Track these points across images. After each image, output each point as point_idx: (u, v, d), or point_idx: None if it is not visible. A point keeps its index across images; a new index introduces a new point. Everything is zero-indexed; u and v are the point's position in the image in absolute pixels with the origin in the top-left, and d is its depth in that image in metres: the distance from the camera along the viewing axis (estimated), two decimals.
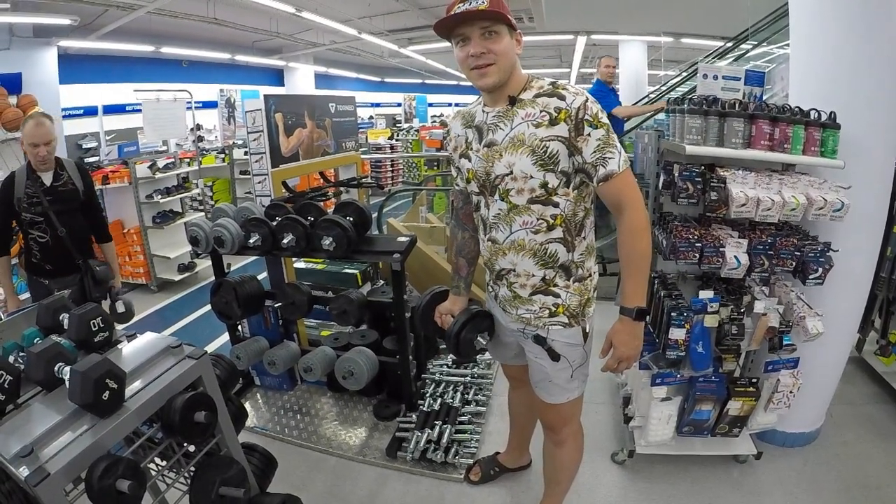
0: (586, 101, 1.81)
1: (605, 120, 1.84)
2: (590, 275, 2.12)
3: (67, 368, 1.47)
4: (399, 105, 23.00)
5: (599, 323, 2.18)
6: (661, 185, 2.83)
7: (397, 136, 13.77)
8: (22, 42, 7.72)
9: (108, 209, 8.39)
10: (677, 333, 2.62)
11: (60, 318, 1.86)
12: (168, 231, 7.68)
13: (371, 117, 20.30)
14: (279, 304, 3.34)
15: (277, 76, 17.27)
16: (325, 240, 2.99)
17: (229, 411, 1.82)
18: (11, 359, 1.75)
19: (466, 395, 3.61)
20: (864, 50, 2.58)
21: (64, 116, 8.72)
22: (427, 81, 23.82)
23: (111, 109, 10.31)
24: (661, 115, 5.29)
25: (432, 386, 3.71)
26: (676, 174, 2.65)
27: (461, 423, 3.33)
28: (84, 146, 10.80)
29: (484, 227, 2.14)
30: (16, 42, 7.65)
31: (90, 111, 10.90)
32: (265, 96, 3.96)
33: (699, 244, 2.58)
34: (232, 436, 1.79)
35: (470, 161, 2.08)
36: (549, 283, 2.05)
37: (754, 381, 2.83)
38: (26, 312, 2.06)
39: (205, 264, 7.64)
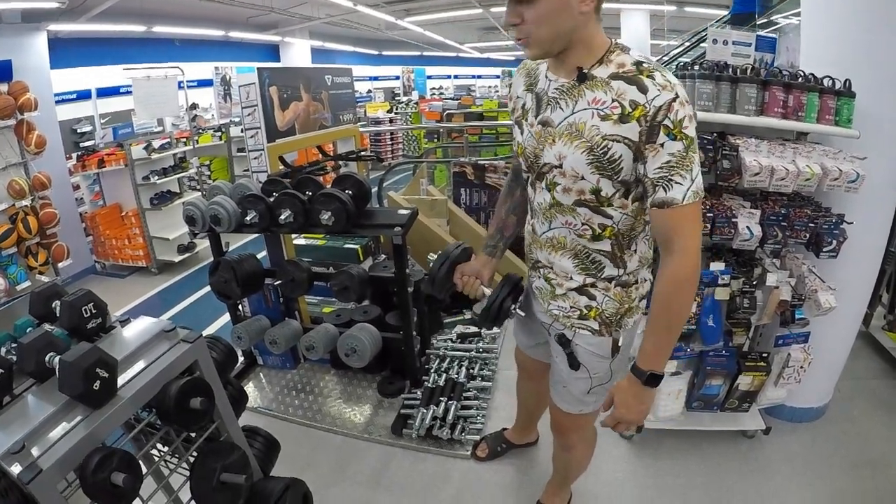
0: (673, 100, 1.40)
1: (691, 132, 1.43)
2: (636, 281, 1.81)
3: (58, 358, 1.41)
4: (397, 78, 22.90)
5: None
6: None
7: (396, 109, 13.64)
8: (10, 28, 7.61)
9: (105, 192, 8.38)
10: None
11: (53, 305, 1.81)
12: (166, 212, 7.65)
13: (369, 91, 20.20)
14: (279, 281, 3.27)
15: (273, 52, 17.07)
16: (323, 214, 2.92)
17: (228, 395, 1.78)
18: (3, 350, 1.72)
19: (472, 370, 3.57)
20: (880, 14, 2.46)
21: (57, 102, 8.58)
22: (425, 54, 23.51)
23: (105, 92, 10.23)
24: None
25: (437, 361, 3.67)
26: None
27: (466, 398, 3.29)
28: (79, 131, 10.78)
29: (531, 210, 1.89)
30: (4, 29, 7.54)
31: (84, 95, 10.80)
32: (259, 69, 3.86)
33: (710, 214, 2.49)
34: (232, 420, 1.74)
35: (522, 134, 1.77)
36: (588, 286, 1.78)
37: (765, 355, 2.78)
38: (19, 301, 2.02)
39: (205, 244, 7.63)
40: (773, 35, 2.89)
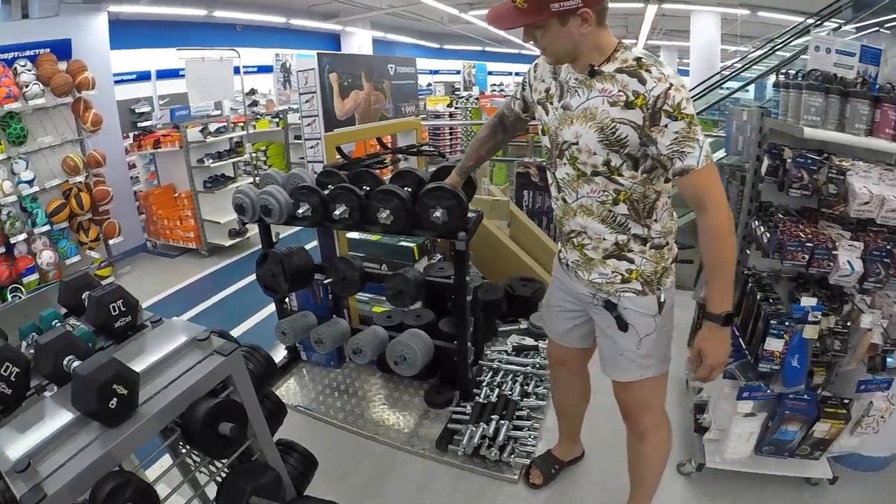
0: (668, 88, 1.68)
1: (690, 110, 1.71)
2: (667, 244, 2.03)
3: (77, 364, 1.29)
4: (458, 73, 22.68)
5: (677, 314, 2.13)
6: (763, 170, 2.52)
7: (456, 103, 13.46)
8: (71, 8, 7.69)
9: (160, 173, 8.48)
10: (775, 344, 2.34)
11: (83, 296, 1.71)
12: (219, 196, 7.69)
13: (430, 84, 20.02)
14: (329, 279, 3.13)
15: (334, 41, 17.09)
16: (381, 213, 2.73)
17: (265, 410, 1.65)
18: (25, 344, 1.64)
19: (526, 387, 3.36)
20: None
21: (116, 82, 8.71)
22: (487, 49, 23.31)
23: (164, 74, 10.34)
24: (769, 90, 4.85)
25: (490, 374, 3.48)
26: (789, 160, 2.34)
27: (519, 418, 3.10)
28: (137, 111, 11.01)
29: (556, 186, 2.10)
30: (64, 8, 7.62)
31: (143, 76, 10.96)
32: (319, 55, 3.71)
33: (810, 244, 2.26)
34: (267, 438, 1.61)
35: (547, 114, 2.03)
36: (623, 248, 1.98)
37: (846, 402, 2.52)
38: (51, 289, 1.92)
39: (256, 230, 7.62)
40: (878, 48, 2.59)
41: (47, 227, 6.90)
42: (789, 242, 2.28)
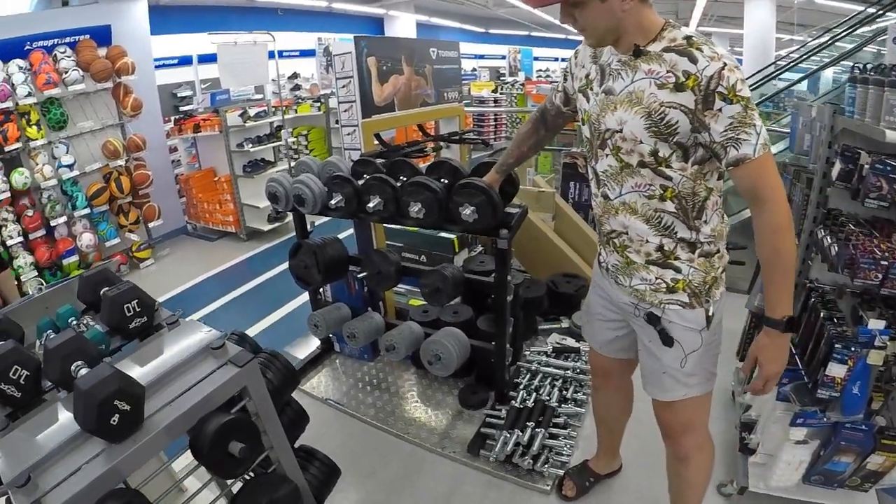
0: (722, 68, 1.51)
1: (746, 93, 1.54)
2: (718, 251, 1.86)
3: (83, 371, 1.25)
4: (503, 58, 22.44)
5: (728, 321, 1.97)
6: (834, 175, 2.31)
7: (501, 89, 13.26)
8: None
9: (200, 156, 8.56)
10: (837, 370, 2.15)
11: (102, 292, 1.64)
12: (258, 180, 7.69)
13: (474, 69, 19.84)
14: (364, 273, 3.02)
15: (377, 25, 17.03)
16: (412, 206, 2.61)
17: (285, 419, 1.56)
18: (39, 343, 1.61)
19: (565, 392, 3.21)
20: None
21: (157, 67, 8.92)
22: (533, 34, 22.98)
23: (206, 59, 10.47)
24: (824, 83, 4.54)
25: (527, 376, 3.33)
26: (866, 166, 2.12)
27: (555, 425, 2.96)
28: (178, 95, 11.18)
29: (596, 180, 1.93)
30: None
31: (185, 60, 11.22)
32: (356, 38, 3.59)
33: (885, 262, 2.05)
34: (285, 449, 1.51)
35: (588, 102, 1.87)
36: (669, 255, 1.82)
37: None
38: (71, 282, 1.89)
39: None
40: None
41: (87, 211, 7.03)
42: (862, 259, 2.08)
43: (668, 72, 1.58)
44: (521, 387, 3.21)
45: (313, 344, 3.90)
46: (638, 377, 2.20)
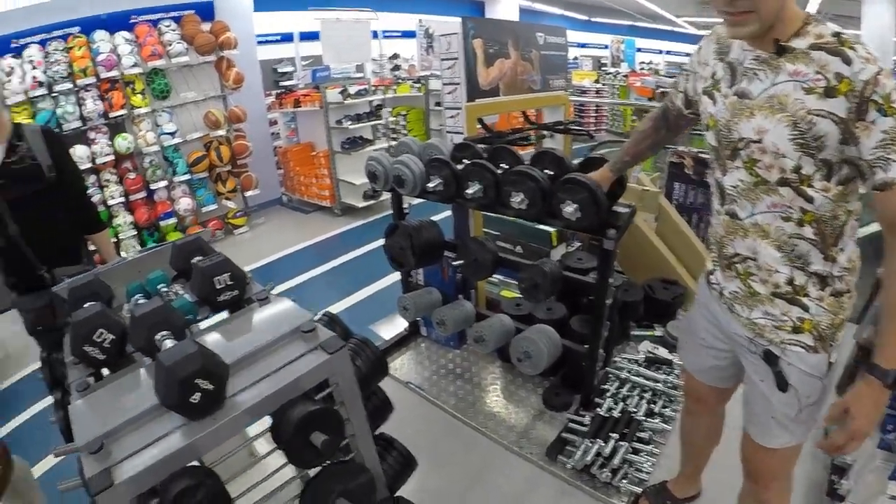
0: (878, 73, 1.31)
1: None
2: (848, 290, 1.63)
3: (168, 343, 1.22)
4: (606, 47, 21.94)
5: None
6: None
7: (603, 79, 12.96)
8: None
9: (300, 131, 8.72)
10: None
11: (193, 261, 1.64)
12: (356, 157, 7.79)
13: (576, 58, 19.45)
14: (459, 261, 2.95)
15: (478, 9, 16.88)
16: (514, 196, 2.49)
17: (370, 407, 1.52)
18: (128, 307, 1.61)
19: (652, 405, 3.06)
20: None
21: (260, 42, 9.26)
22: (637, 24, 22.36)
23: (307, 36, 10.62)
24: None
25: (615, 384, 3.19)
26: None
27: (639, 439, 2.82)
28: (279, 70, 11.58)
29: (721, 195, 1.73)
30: None
31: (286, 38, 11.38)
32: (463, 19, 3.52)
33: None
34: (366, 439, 1.47)
35: (714, 104, 1.66)
36: (799, 291, 1.61)
37: None
38: (164, 249, 1.90)
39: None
40: None
41: (187, 177, 7.34)
42: None
43: (816, 73, 1.37)
44: (609, 394, 3.08)
45: (399, 325, 3.88)
46: (731, 406, 2.08)
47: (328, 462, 1.40)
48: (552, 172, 2.56)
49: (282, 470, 1.41)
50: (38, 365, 4.85)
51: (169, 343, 1.25)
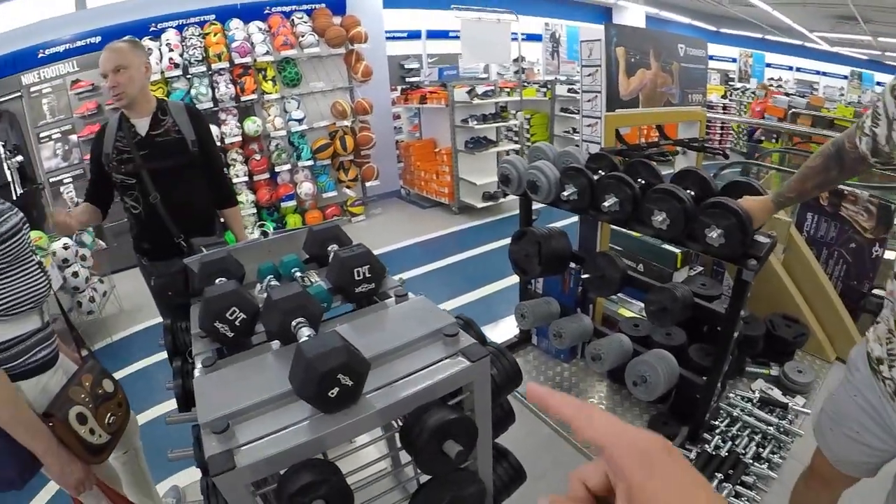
0: None
1: None
2: None
3: (305, 331, 1.21)
4: (734, 61, 21.03)
5: None
6: None
7: (731, 95, 12.37)
8: None
9: (423, 126, 8.82)
10: None
11: (328, 248, 1.67)
12: (479, 157, 7.80)
13: None
14: (586, 275, 2.82)
15: (605, 15, 16.62)
16: (656, 215, 2.33)
17: (494, 417, 1.44)
18: (259, 287, 1.63)
19: (761, 449, 2.77)
20: None
21: (388, 38, 9.54)
22: (767, 37, 21.23)
23: (434, 34, 10.80)
24: None
25: (726, 421, 2.93)
26: None
27: (742, 483, 2.57)
28: (406, 66, 11.86)
29: None
30: None
31: (414, 35, 11.69)
32: (606, 25, 3.38)
33: None
34: (486, 449, 1.41)
35: None
36: None
37: None
38: (297, 233, 1.92)
39: (510, 197, 7.71)
40: None
41: (310, 162, 7.59)
42: None
43: None
44: (718, 431, 2.85)
45: (507, 331, 3.76)
46: None
47: None
48: (693, 193, 2.39)
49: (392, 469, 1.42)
50: (147, 325, 5.20)
51: (305, 331, 1.24)
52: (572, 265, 3.08)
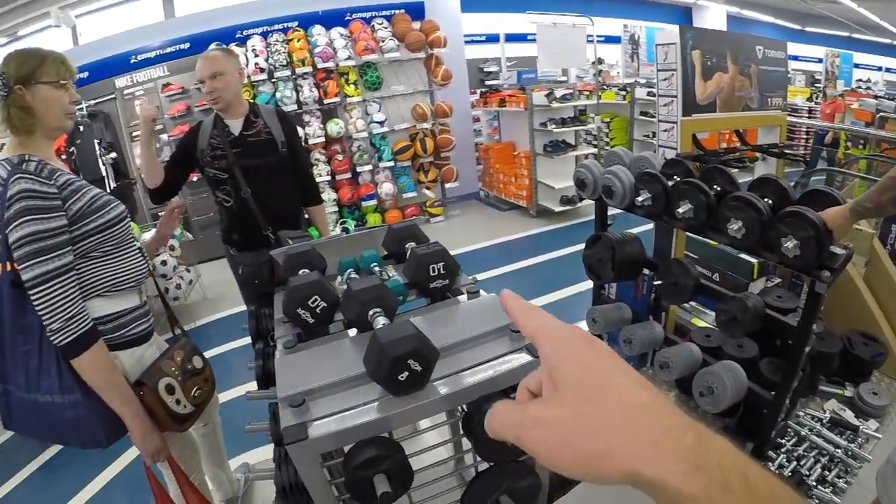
0: None
1: None
2: None
3: (381, 319, 1.34)
4: (820, 61, 20.12)
5: None
6: None
7: (817, 97, 11.81)
8: None
9: (502, 129, 8.83)
10: None
11: (406, 246, 1.77)
12: (557, 161, 7.77)
13: (787, 72, 17.99)
14: (659, 281, 2.77)
15: (684, 15, 16.21)
16: (732, 223, 2.26)
17: None
18: (340, 279, 1.79)
19: (827, 472, 2.59)
20: None
21: (467, 42, 9.64)
22: (855, 36, 20.18)
23: (512, 38, 10.82)
24: None
25: (793, 440, 2.76)
26: None
27: None
28: (485, 70, 12.01)
29: None
30: None
31: (492, 38, 11.73)
32: (682, 27, 3.29)
33: None
34: None
35: None
36: None
37: None
38: (377, 230, 2.05)
39: (588, 200, 7.67)
40: None
41: (391, 163, 7.73)
42: None
43: None
44: (784, 450, 2.69)
45: None
46: None
47: None
48: (771, 202, 2.31)
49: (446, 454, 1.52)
50: (228, 313, 5.47)
51: (381, 320, 1.35)
52: (646, 272, 3.03)
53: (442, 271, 1.60)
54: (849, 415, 2.96)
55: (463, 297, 1.60)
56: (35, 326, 1.96)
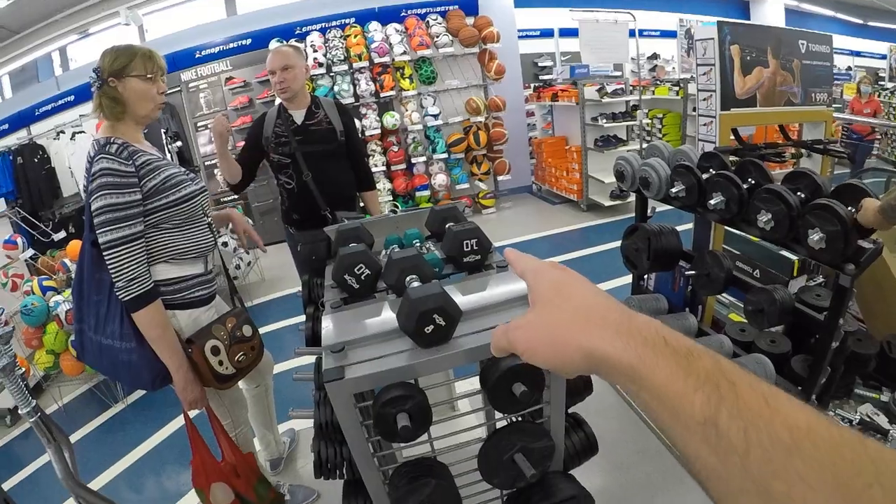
0: None
1: None
2: None
3: (415, 284, 1.44)
4: (884, 57, 19.23)
5: None
6: None
7: (879, 95, 11.24)
8: None
9: (555, 124, 8.78)
10: None
11: (447, 225, 1.83)
12: (608, 156, 7.69)
13: (849, 68, 17.18)
14: (693, 271, 2.79)
15: (742, 10, 15.55)
16: (762, 215, 2.27)
17: (570, 384, 1.64)
18: (384, 252, 1.93)
19: None
20: None
21: (520, 37, 9.55)
22: None
23: (566, 32, 10.64)
24: None
25: None
26: None
27: None
28: (539, 64, 11.99)
29: None
30: None
31: (546, 33, 11.55)
32: (719, 23, 3.31)
33: None
34: (559, 409, 1.51)
35: None
36: None
37: None
38: (421, 212, 2.20)
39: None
40: None
41: (445, 156, 7.78)
42: None
43: None
44: None
45: None
46: None
47: (520, 418, 1.53)
48: (803, 196, 2.31)
49: (471, 417, 1.61)
50: (283, 293, 5.69)
51: (416, 285, 1.42)
52: (683, 265, 3.04)
53: (475, 247, 1.68)
54: (882, 420, 2.92)
55: (493, 271, 1.68)
56: (106, 281, 2.25)
